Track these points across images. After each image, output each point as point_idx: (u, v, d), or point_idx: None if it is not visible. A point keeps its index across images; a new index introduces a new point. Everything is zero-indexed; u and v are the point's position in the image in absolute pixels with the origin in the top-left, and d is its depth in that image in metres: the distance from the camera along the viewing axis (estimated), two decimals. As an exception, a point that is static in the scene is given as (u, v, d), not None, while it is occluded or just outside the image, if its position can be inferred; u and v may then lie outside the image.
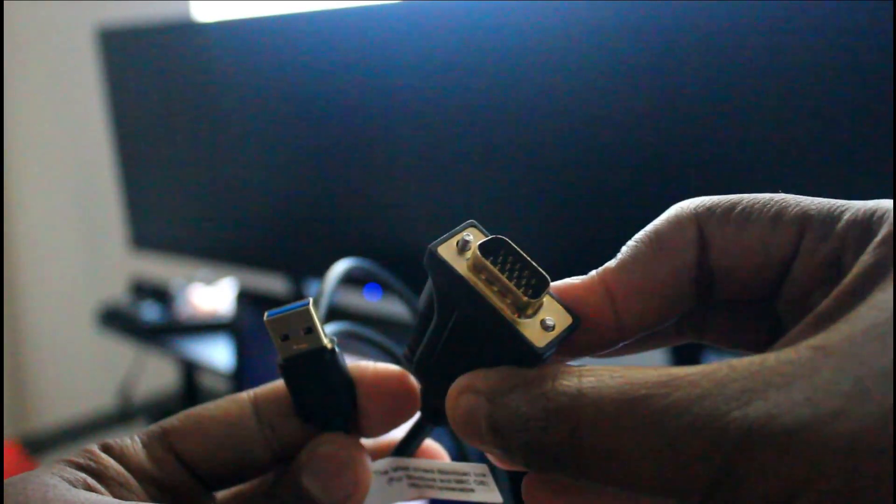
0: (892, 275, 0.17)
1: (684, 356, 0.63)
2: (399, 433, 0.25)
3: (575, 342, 0.21)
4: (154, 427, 0.23)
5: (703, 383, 0.16)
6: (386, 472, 0.24)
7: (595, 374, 0.18)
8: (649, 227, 0.21)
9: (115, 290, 1.43)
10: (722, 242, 0.20)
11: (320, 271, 0.35)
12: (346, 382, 0.24)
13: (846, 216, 0.19)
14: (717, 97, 0.59)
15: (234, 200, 1.04)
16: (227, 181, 1.04)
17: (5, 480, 0.20)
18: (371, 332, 0.29)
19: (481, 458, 0.24)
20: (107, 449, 0.22)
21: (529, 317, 0.20)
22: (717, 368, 0.16)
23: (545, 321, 0.20)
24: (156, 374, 1.44)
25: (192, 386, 1.32)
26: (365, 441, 0.25)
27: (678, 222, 0.21)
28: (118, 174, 1.21)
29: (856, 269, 0.17)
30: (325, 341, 0.23)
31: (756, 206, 0.20)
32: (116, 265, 1.51)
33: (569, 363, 0.20)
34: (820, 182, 0.55)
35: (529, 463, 0.19)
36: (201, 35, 1.03)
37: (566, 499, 0.21)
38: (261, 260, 1.04)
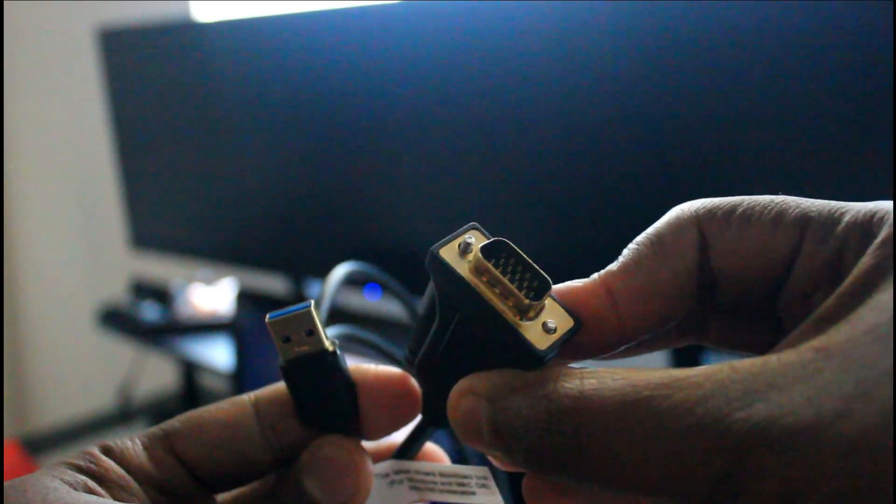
0: (892, 276, 0.17)
1: (685, 358, 0.63)
2: (399, 436, 0.25)
3: (577, 344, 0.21)
4: (155, 429, 0.23)
5: (706, 385, 0.16)
6: (387, 475, 0.24)
7: (597, 377, 0.18)
8: (650, 229, 0.21)
9: (115, 290, 1.43)
10: (723, 244, 0.20)
11: (320, 271, 0.35)
12: (348, 385, 0.24)
13: (846, 218, 0.19)
14: (718, 98, 0.59)
15: (234, 200, 1.04)
16: (227, 181, 1.04)
17: (5, 483, 0.20)
18: (371, 336, 0.29)
19: (482, 461, 0.24)
20: (107, 451, 0.22)
21: (531, 319, 0.20)
22: (719, 370, 0.16)
23: (547, 324, 0.20)
24: (156, 374, 1.44)
25: (192, 386, 1.32)
26: (366, 443, 0.24)
27: (679, 225, 0.21)
28: (118, 174, 1.21)
29: (856, 271, 0.17)
30: (327, 343, 0.23)
31: (756, 208, 0.20)
32: (116, 265, 1.51)
33: (570, 365, 0.19)
34: (820, 182, 0.55)
35: (531, 465, 0.19)
36: (201, 35, 1.03)
37: (567, 499, 0.21)
38: (261, 260, 1.04)
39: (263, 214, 1.00)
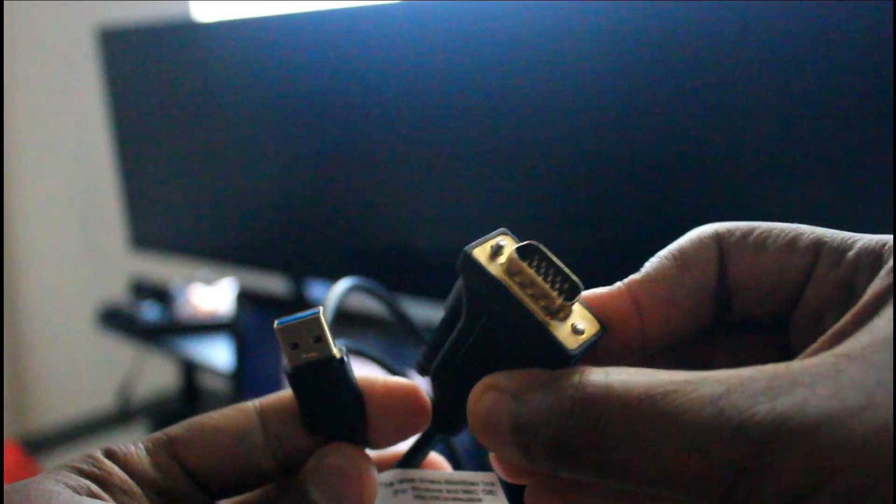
0: None
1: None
2: (403, 445, 0.25)
3: (600, 348, 0.21)
4: (159, 434, 0.23)
5: (730, 381, 0.17)
6: (391, 485, 0.24)
7: (623, 372, 0.18)
8: (673, 245, 0.22)
9: (115, 290, 1.43)
10: (740, 262, 0.21)
11: (320, 272, 0.35)
12: (355, 393, 0.24)
13: (859, 244, 0.20)
14: (720, 99, 0.59)
15: (234, 200, 1.04)
16: (227, 181, 1.04)
17: (8, 487, 0.20)
18: (371, 350, 0.29)
19: (482, 470, 0.24)
20: (110, 455, 0.22)
21: (561, 321, 0.20)
22: (743, 370, 0.17)
23: (576, 326, 0.21)
24: (156, 374, 1.44)
25: (192, 386, 1.32)
26: (369, 452, 0.24)
27: (700, 241, 0.22)
28: (118, 174, 1.21)
29: (871, 291, 0.18)
30: (335, 350, 0.23)
31: (774, 231, 0.21)
32: (116, 265, 1.51)
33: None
34: (820, 181, 0.55)
35: (549, 459, 0.19)
36: (201, 35, 1.03)
37: (569, 501, 0.21)
38: (261, 260, 1.04)
39: (263, 214, 1.00)
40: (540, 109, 0.69)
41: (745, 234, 0.21)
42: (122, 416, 1.36)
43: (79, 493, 0.20)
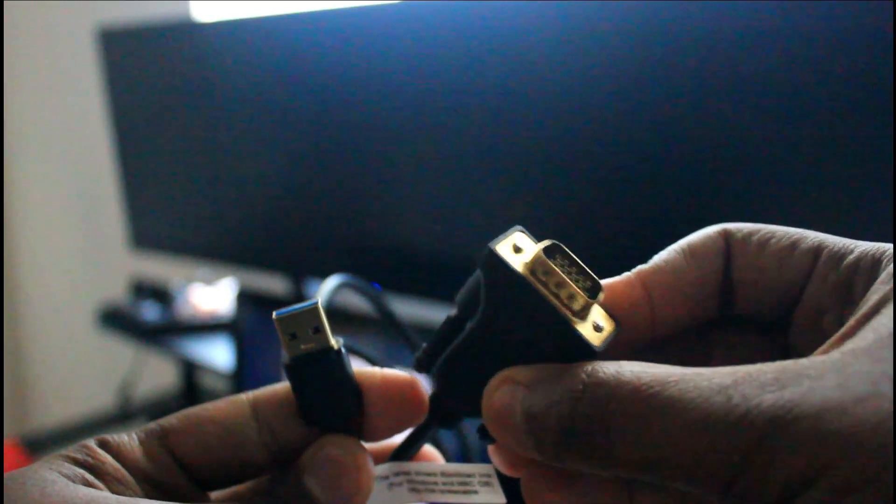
0: None
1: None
2: (397, 438, 0.25)
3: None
4: (152, 425, 0.23)
5: (738, 373, 0.17)
6: (387, 478, 0.24)
7: (634, 364, 0.19)
8: (681, 240, 0.23)
9: (115, 290, 1.44)
10: (743, 258, 0.22)
11: (320, 271, 0.35)
12: (352, 385, 0.24)
13: (858, 249, 0.20)
14: (720, 99, 0.59)
15: (235, 200, 1.04)
16: (227, 181, 1.04)
17: (5, 475, 0.20)
18: (365, 348, 0.30)
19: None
20: (104, 445, 0.22)
21: (582, 319, 0.21)
22: (752, 365, 0.17)
23: (597, 323, 0.21)
24: (156, 374, 1.44)
25: (192, 386, 1.32)
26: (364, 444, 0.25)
27: (708, 236, 0.23)
28: (118, 174, 1.21)
29: (876, 296, 0.18)
30: (333, 341, 0.23)
31: (778, 233, 0.22)
32: (116, 265, 1.51)
33: None
34: (820, 181, 0.55)
35: (558, 446, 0.19)
36: (201, 35, 1.03)
37: (565, 495, 0.21)
38: (261, 260, 1.04)
39: (263, 214, 1.00)
40: (539, 109, 0.69)
41: (751, 233, 0.22)
42: (122, 416, 1.36)
43: (73, 482, 0.20)
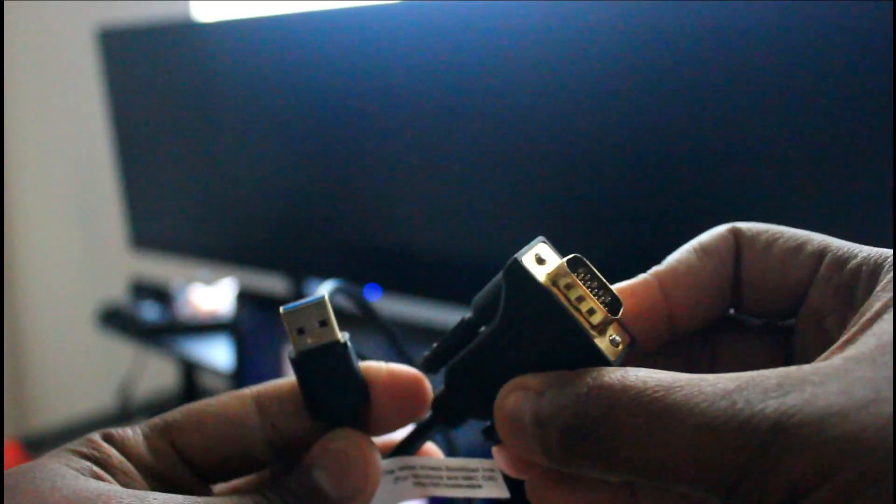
0: None
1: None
2: (396, 434, 0.25)
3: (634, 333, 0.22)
4: (156, 419, 0.23)
5: (742, 379, 0.17)
6: (392, 472, 0.24)
7: (640, 370, 0.19)
8: (693, 240, 0.24)
9: (115, 290, 1.44)
10: (751, 257, 0.23)
11: (320, 271, 0.35)
12: (358, 379, 0.24)
13: (862, 254, 0.21)
14: (721, 99, 0.59)
15: (235, 200, 1.04)
16: (227, 181, 1.04)
17: (12, 469, 0.20)
18: (361, 350, 0.30)
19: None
20: (108, 438, 0.22)
21: (600, 334, 0.21)
22: (756, 371, 0.18)
23: (614, 338, 0.21)
24: (156, 374, 1.44)
25: (192, 386, 1.32)
26: None
27: (719, 235, 0.23)
28: (118, 174, 1.21)
29: (878, 302, 0.18)
30: (339, 335, 0.23)
31: (785, 234, 0.22)
32: (116, 265, 1.51)
33: None
34: (820, 181, 0.55)
35: (565, 450, 0.19)
36: (201, 35, 1.03)
37: (569, 496, 0.21)
38: (261, 260, 1.04)
39: (263, 214, 1.01)
40: (540, 110, 0.69)
41: (759, 233, 0.23)
42: (122, 416, 1.36)
43: (82, 474, 0.20)
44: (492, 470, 0.24)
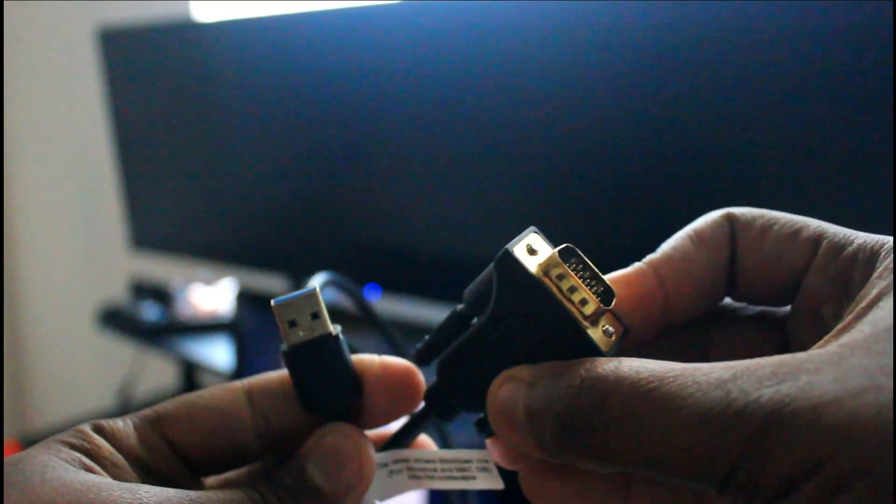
0: None
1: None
2: (389, 427, 0.25)
3: (628, 319, 0.22)
4: (147, 411, 0.23)
5: (736, 367, 0.17)
6: (386, 465, 0.24)
7: (633, 360, 0.19)
8: (688, 227, 0.23)
9: (115, 290, 1.44)
10: (746, 243, 0.22)
11: (320, 271, 0.35)
12: (351, 373, 0.24)
13: (858, 241, 0.20)
14: (721, 99, 0.59)
15: (234, 200, 1.04)
16: (227, 181, 1.04)
17: (3, 459, 0.20)
18: (350, 342, 0.30)
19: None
20: (99, 430, 0.22)
21: (593, 324, 0.21)
22: (750, 360, 0.17)
23: (607, 329, 0.21)
24: (156, 374, 1.44)
25: (192, 386, 1.32)
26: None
27: (714, 221, 0.23)
28: (118, 174, 1.21)
29: (874, 290, 0.18)
30: (332, 328, 0.23)
31: (781, 220, 0.22)
32: (116, 265, 1.51)
33: None
34: (819, 180, 0.55)
35: (558, 442, 0.19)
36: (201, 35, 1.03)
37: (562, 487, 0.21)
38: (261, 260, 1.04)
39: (263, 214, 1.01)
40: (539, 111, 0.69)
41: (754, 218, 0.22)
42: (122, 416, 1.36)
43: (72, 466, 0.20)
44: (486, 461, 0.24)
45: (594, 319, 0.21)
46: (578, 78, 0.66)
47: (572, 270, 0.21)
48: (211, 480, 0.24)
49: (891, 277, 0.18)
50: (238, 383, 0.24)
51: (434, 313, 0.81)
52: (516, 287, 0.21)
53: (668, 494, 0.21)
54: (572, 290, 0.21)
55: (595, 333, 0.21)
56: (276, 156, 0.96)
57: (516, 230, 0.22)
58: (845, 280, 0.20)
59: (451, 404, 0.24)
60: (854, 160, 0.54)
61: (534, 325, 0.21)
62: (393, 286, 0.85)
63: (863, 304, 0.18)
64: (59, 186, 1.72)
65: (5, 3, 1.63)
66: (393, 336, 0.35)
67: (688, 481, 0.17)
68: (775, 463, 0.16)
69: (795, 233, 0.21)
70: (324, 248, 0.94)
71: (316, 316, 0.23)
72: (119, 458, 0.22)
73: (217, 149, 1.04)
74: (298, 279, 0.99)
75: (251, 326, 0.95)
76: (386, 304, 0.86)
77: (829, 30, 0.53)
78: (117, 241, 1.36)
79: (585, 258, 0.21)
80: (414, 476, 0.24)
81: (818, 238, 0.21)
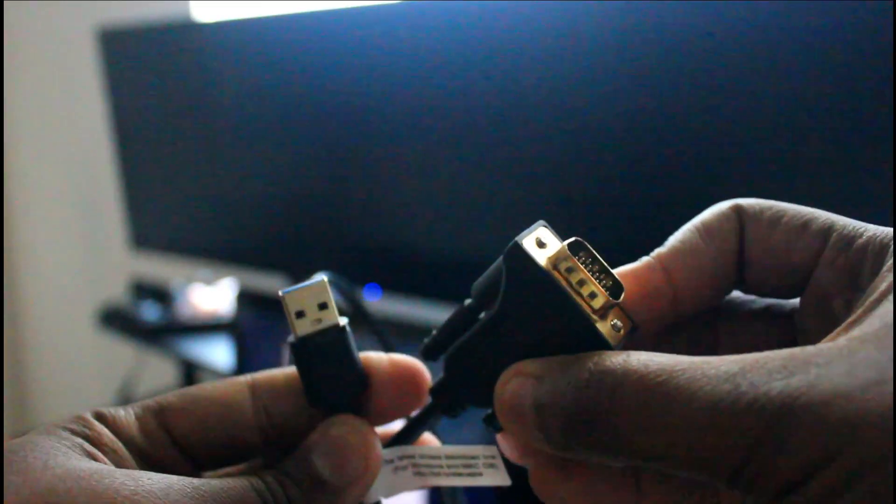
0: None
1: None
2: (393, 424, 0.25)
3: (636, 314, 0.22)
4: (150, 401, 0.23)
5: (746, 360, 0.17)
6: (391, 461, 0.24)
7: (642, 354, 0.18)
8: (695, 219, 0.23)
9: (115, 290, 1.43)
10: (754, 235, 0.22)
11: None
12: (357, 366, 0.24)
13: (867, 234, 0.20)
14: (721, 98, 0.59)
15: (234, 200, 1.04)
16: (227, 181, 1.04)
17: (6, 444, 0.20)
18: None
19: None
20: (100, 418, 0.22)
21: (602, 318, 0.21)
22: (759, 353, 0.17)
23: (615, 323, 0.21)
24: (156, 375, 1.44)
25: (192, 386, 1.32)
26: None
27: (721, 213, 0.22)
28: (118, 174, 1.21)
29: (884, 283, 0.18)
30: (339, 319, 0.23)
31: (789, 211, 0.22)
32: (116, 265, 1.51)
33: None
34: (819, 180, 0.55)
35: (566, 436, 0.19)
36: (201, 35, 1.03)
37: (571, 483, 0.21)
38: (261, 260, 1.04)
39: (263, 214, 1.01)
40: (540, 111, 0.69)
41: (762, 210, 0.22)
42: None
43: (74, 452, 0.20)
44: (493, 457, 0.24)
45: (603, 313, 0.21)
46: (580, 75, 0.66)
47: (581, 264, 0.21)
48: (210, 475, 0.24)
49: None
50: (242, 378, 0.24)
51: (434, 313, 0.81)
52: (525, 280, 0.21)
53: (678, 489, 0.21)
54: (581, 283, 0.20)
55: (604, 327, 0.20)
56: (276, 156, 0.96)
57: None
58: (855, 273, 0.20)
59: (459, 400, 0.24)
60: (855, 156, 0.54)
61: (543, 318, 0.21)
62: (393, 286, 0.85)
63: (873, 297, 0.18)
64: (60, 186, 1.72)
65: (5, 3, 1.63)
66: (386, 336, 0.35)
67: (697, 475, 0.17)
68: (786, 457, 0.15)
69: (804, 225, 0.21)
70: (324, 248, 0.94)
71: (324, 306, 0.23)
72: (119, 445, 0.21)
73: (217, 149, 1.04)
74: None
75: (251, 326, 0.95)
76: (386, 304, 0.86)
77: (829, 28, 0.53)
78: (117, 241, 1.36)
79: (594, 251, 0.21)
80: (419, 473, 0.24)
81: (827, 230, 0.21)
